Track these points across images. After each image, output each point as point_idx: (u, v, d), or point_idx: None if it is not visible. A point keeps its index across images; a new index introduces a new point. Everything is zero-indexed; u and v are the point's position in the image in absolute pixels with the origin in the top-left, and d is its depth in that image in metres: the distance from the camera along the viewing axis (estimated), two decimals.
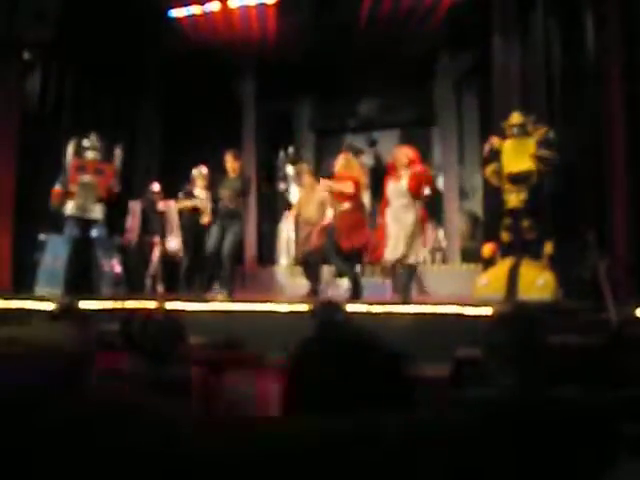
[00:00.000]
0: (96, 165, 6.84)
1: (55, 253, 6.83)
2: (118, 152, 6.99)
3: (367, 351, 1.14)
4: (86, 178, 6.78)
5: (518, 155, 6.00)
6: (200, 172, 7.17)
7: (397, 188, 5.81)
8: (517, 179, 5.98)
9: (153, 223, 7.31)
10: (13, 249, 7.23)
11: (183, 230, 7.21)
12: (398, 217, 5.80)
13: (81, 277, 6.83)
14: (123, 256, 7.38)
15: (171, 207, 7.43)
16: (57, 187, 6.76)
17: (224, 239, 6.26)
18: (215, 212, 6.69)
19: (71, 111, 7.93)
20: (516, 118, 6.12)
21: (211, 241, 6.35)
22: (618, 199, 5.83)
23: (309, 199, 6.69)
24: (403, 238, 5.73)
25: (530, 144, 5.97)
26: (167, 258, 7.44)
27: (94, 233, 6.92)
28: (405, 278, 5.95)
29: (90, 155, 6.84)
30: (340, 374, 1.09)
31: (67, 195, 6.73)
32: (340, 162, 6.35)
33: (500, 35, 7.25)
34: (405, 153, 5.94)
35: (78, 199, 6.75)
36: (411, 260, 5.81)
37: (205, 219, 6.82)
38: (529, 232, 5.90)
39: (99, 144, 6.94)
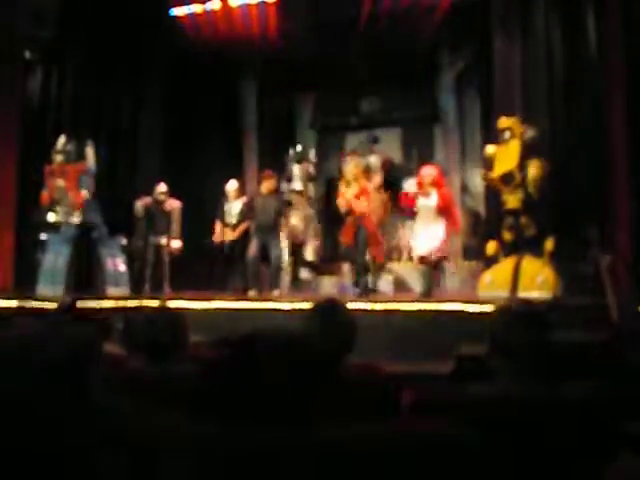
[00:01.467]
0: (62, 168, 6.85)
1: (57, 252, 6.83)
2: (89, 150, 7.00)
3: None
4: (58, 182, 6.82)
5: (505, 157, 6.17)
6: (232, 186, 7.31)
7: (426, 204, 6.30)
8: (502, 181, 6.14)
9: (159, 223, 7.29)
10: (15, 249, 7.24)
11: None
12: (427, 227, 6.26)
13: (83, 276, 6.84)
14: (127, 255, 7.38)
15: (175, 207, 7.43)
16: (44, 193, 6.91)
17: (266, 251, 6.91)
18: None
19: (72, 111, 7.92)
20: (502, 123, 6.27)
21: (252, 252, 6.88)
22: (620, 195, 5.82)
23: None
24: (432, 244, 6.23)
25: (514, 145, 6.12)
26: (172, 257, 7.45)
27: (95, 234, 6.94)
28: (426, 277, 6.40)
29: (58, 159, 6.86)
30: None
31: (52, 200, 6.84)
32: (354, 167, 6.83)
33: (501, 32, 7.23)
34: (430, 173, 6.38)
35: (61, 206, 6.84)
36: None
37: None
38: (528, 229, 5.98)
39: (67, 146, 6.95)
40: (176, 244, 7.34)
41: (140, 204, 7.36)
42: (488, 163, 6.34)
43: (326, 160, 10.50)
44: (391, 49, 8.49)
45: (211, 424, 1.07)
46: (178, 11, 8.61)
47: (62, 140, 6.95)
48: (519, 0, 7.13)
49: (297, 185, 8.66)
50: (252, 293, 6.78)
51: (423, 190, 6.31)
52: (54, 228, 7.00)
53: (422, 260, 6.28)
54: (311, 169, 8.75)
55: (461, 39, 8.68)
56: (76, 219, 6.92)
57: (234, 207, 7.22)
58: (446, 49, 9.20)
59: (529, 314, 1.70)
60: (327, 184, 9.81)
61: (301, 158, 9.04)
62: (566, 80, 6.59)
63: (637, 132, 5.70)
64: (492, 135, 6.59)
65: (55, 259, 6.80)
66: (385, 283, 7.77)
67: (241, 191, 7.39)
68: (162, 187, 7.35)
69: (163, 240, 7.29)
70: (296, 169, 8.89)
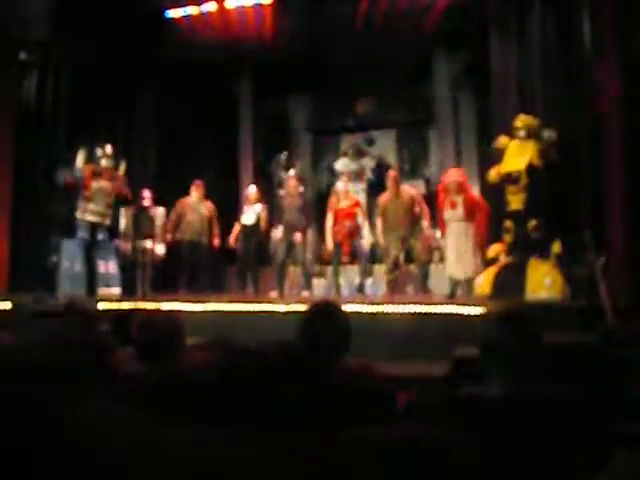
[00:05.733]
0: (110, 172, 7.22)
1: (72, 257, 7.11)
2: (123, 164, 7.41)
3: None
4: (101, 184, 7.12)
5: (516, 156, 6.05)
6: (252, 190, 7.65)
7: (454, 214, 6.14)
8: (507, 179, 6.03)
9: (143, 228, 7.42)
10: (10, 250, 7.23)
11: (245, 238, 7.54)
12: (458, 239, 6.14)
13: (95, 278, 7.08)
14: (119, 259, 7.45)
15: (158, 213, 7.53)
16: (69, 178, 7.13)
17: (291, 251, 7.16)
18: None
19: (68, 111, 7.91)
20: (520, 121, 6.15)
21: (280, 253, 7.22)
22: (615, 198, 5.84)
23: (396, 204, 6.72)
24: (464, 258, 6.12)
25: (530, 147, 6.01)
26: (156, 261, 7.56)
27: (99, 236, 7.08)
28: (456, 288, 6.33)
29: (105, 163, 7.22)
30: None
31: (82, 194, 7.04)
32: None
33: (497, 35, 7.25)
34: (455, 180, 6.21)
35: (93, 204, 7.03)
36: (462, 275, 6.20)
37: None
38: (535, 232, 5.92)
39: (112, 153, 7.30)
40: (159, 249, 7.54)
41: (125, 210, 7.51)
42: (498, 154, 6.20)
43: (321, 162, 10.52)
44: (387, 51, 8.50)
45: (211, 429, 1.07)
46: (174, 13, 8.62)
47: (109, 147, 7.28)
48: (515, 2, 7.16)
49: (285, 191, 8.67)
50: (274, 294, 7.05)
51: (448, 199, 6.16)
52: (64, 232, 7.23)
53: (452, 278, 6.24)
54: (299, 173, 8.75)
55: (457, 42, 8.70)
56: (107, 221, 7.21)
57: (255, 209, 7.56)
58: (442, 52, 9.22)
59: (522, 315, 1.71)
60: (322, 186, 9.81)
61: (288, 164, 9.11)
62: (562, 83, 6.61)
63: (633, 135, 5.72)
64: (487, 138, 6.59)
65: (71, 263, 7.08)
66: (378, 285, 7.79)
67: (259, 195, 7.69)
68: (146, 193, 7.50)
69: (147, 244, 7.46)
70: (284, 175, 8.93)
